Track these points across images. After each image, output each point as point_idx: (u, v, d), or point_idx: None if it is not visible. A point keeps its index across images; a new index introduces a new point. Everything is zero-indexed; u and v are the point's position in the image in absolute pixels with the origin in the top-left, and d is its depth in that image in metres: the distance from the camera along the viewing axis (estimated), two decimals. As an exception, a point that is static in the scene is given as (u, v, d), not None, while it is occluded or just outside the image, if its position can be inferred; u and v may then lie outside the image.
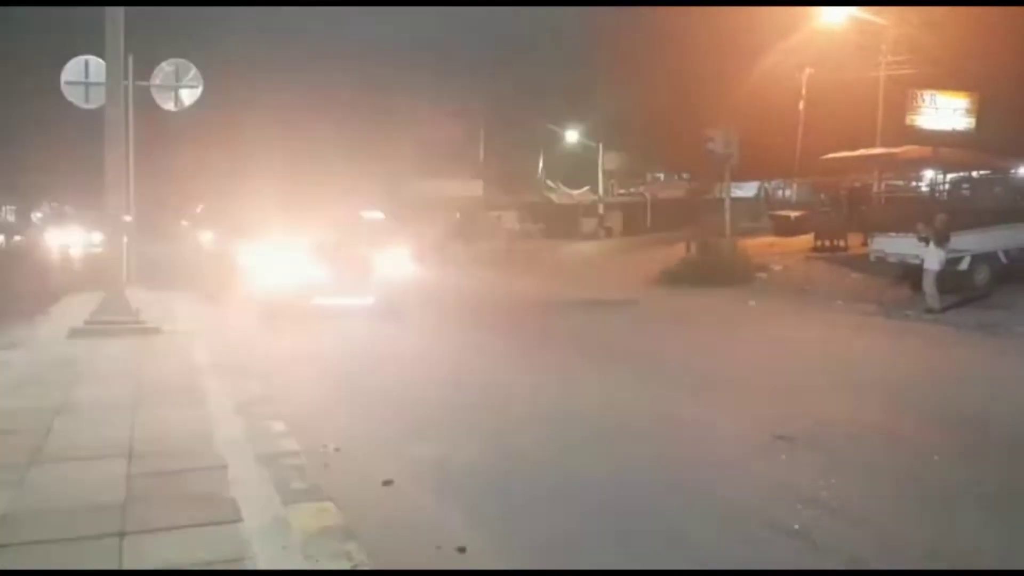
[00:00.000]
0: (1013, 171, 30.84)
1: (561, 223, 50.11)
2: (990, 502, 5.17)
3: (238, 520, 3.99)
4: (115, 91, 10.74)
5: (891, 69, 30.97)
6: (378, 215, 18.82)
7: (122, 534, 3.82)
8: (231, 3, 36.75)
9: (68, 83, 12.92)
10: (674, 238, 28.68)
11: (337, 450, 5.82)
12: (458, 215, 52.87)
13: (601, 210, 49.93)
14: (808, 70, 35.42)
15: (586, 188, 51.08)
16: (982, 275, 16.89)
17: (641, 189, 52.35)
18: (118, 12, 10.46)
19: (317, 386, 8.39)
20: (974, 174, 30.53)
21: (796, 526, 4.62)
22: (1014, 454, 6.30)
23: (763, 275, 21.00)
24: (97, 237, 36.25)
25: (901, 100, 33.22)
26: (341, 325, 12.34)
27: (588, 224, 48.91)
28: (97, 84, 12.32)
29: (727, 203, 24.63)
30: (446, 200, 51.20)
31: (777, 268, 21.71)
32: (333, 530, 3.94)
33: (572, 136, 49.59)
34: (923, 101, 34.35)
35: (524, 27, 42.50)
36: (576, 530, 4.59)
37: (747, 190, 42.42)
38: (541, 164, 52.29)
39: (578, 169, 50.68)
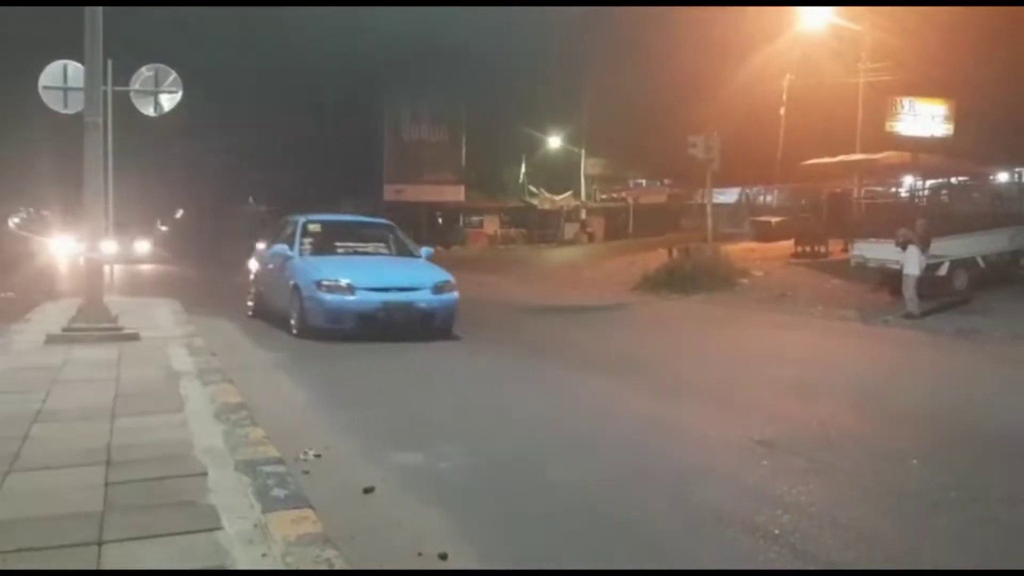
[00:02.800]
0: (991, 177, 31.17)
1: (543, 228, 50.23)
2: (968, 504, 5.21)
3: (218, 528, 3.96)
4: (94, 96, 10.66)
5: (869, 76, 31.23)
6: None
7: (100, 542, 3.79)
8: (213, 3, 36.46)
9: (46, 88, 12.82)
10: (656, 243, 28.83)
11: (318, 456, 5.80)
12: (439, 219, 52.89)
13: (583, 215, 50.11)
14: (789, 76, 35.69)
15: (568, 193, 51.24)
16: (961, 280, 17.09)
17: (623, 194, 52.52)
18: (97, 13, 10.37)
19: (298, 391, 8.36)
20: (953, 180, 30.83)
21: (776, 531, 4.63)
22: (991, 457, 6.37)
23: (744, 281, 21.13)
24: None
25: (880, 106, 33.51)
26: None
27: (570, 229, 49.09)
28: (76, 89, 12.24)
29: (709, 208, 24.78)
30: (428, 205, 51.19)
31: (758, 274, 21.85)
32: (313, 537, 3.91)
33: (554, 141, 49.76)
34: (902, 108, 34.67)
35: (506, 32, 42.54)
36: (558, 537, 4.59)
37: (728, 196, 42.70)
38: (523, 169, 52.37)
39: (560, 174, 50.86)
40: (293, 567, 3.61)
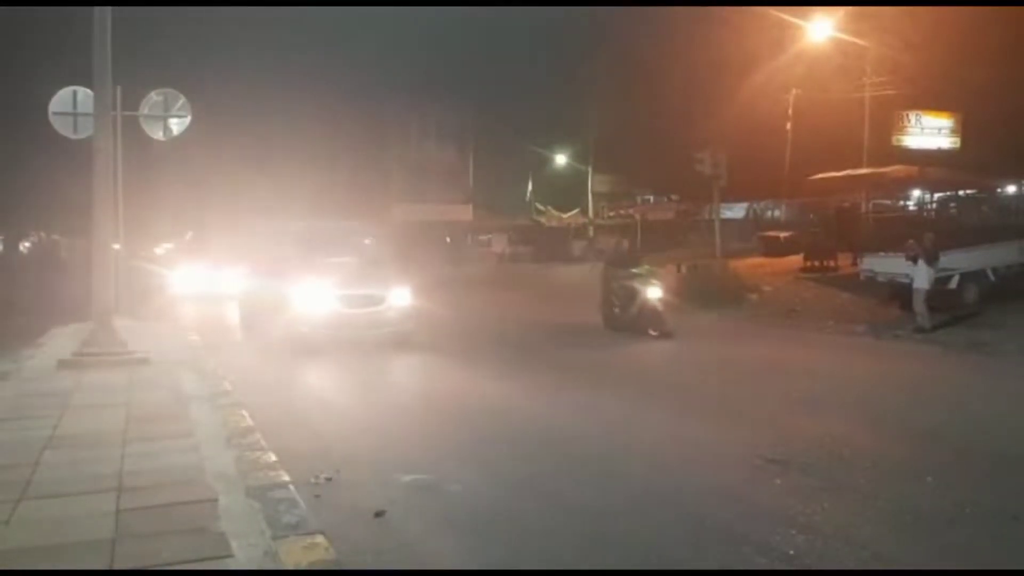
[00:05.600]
0: (999, 189, 31.09)
1: (551, 246, 50.29)
2: (981, 521, 5.17)
3: (228, 555, 3.95)
4: (103, 121, 10.72)
5: (875, 90, 31.26)
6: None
7: (110, 571, 3.78)
8: (224, 3, 36.56)
9: (56, 114, 12.93)
10: (664, 260, 28.74)
11: (329, 480, 5.79)
12: (448, 239, 52.97)
13: (591, 232, 50.10)
14: (794, 91, 35.74)
15: (576, 211, 51.28)
16: (971, 293, 16.99)
17: (631, 211, 52.50)
18: (105, 14, 10.30)
19: (309, 415, 8.34)
20: (961, 193, 30.77)
21: (791, 551, 4.60)
22: (1005, 473, 6.31)
23: (754, 296, 21.03)
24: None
25: (886, 120, 33.52)
26: (337, 354, 12.27)
27: (578, 246, 49.06)
28: (85, 115, 12.33)
29: (717, 224, 24.73)
30: (437, 224, 51.30)
31: (767, 289, 21.76)
32: (324, 564, 3.91)
33: (561, 159, 49.85)
34: (909, 121, 34.69)
35: (513, 51, 42.76)
36: (571, 559, 4.56)
37: (736, 211, 42.64)
38: (530, 187, 52.45)
39: (567, 192, 50.89)
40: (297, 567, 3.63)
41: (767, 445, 6.92)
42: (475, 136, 51.66)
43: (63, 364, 9.89)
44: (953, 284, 16.63)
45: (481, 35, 40.37)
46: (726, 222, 31.89)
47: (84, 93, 12.50)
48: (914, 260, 15.25)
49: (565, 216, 51.58)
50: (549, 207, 52.20)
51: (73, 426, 6.73)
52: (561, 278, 33.73)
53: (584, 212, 50.77)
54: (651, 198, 54.59)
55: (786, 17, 29.56)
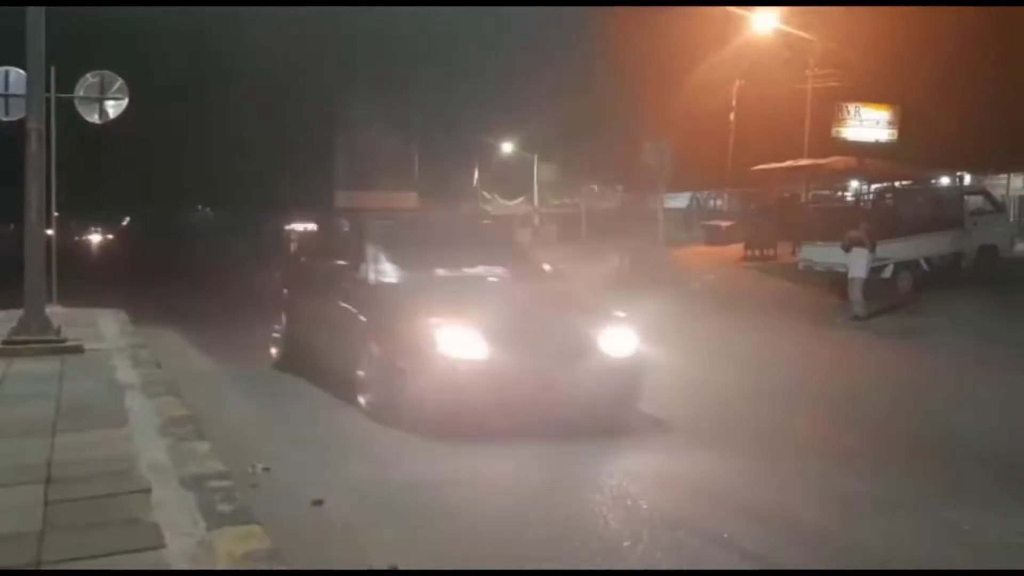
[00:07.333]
0: (933, 181, 31.86)
1: (496, 233, 50.04)
2: (913, 506, 5.31)
3: (161, 546, 3.88)
4: (36, 103, 10.39)
5: (817, 82, 31.80)
6: None
7: (39, 564, 3.69)
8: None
9: (-13, 95, 12.51)
10: (609, 248, 28.95)
11: (266, 470, 5.72)
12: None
13: (536, 221, 50.19)
14: (738, 82, 36.19)
15: (521, 199, 51.38)
16: (905, 282, 17.44)
17: (576, 200, 52.75)
18: (39, 14, 10.03)
19: (246, 404, 8.24)
20: (897, 184, 31.46)
21: (725, 535, 4.67)
22: (934, 458, 6.49)
23: (694, 284, 21.31)
24: None
25: (828, 112, 34.14)
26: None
27: (523, 235, 49.03)
28: (17, 96, 11.96)
29: (660, 214, 24.97)
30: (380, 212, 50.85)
31: (708, 277, 22.07)
32: (260, 553, 3.85)
33: (507, 147, 49.87)
34: (848, 113, 35.42)
35: (460, 40, 42.56)
36: (510, 545, 4.58)
37: (680, 200, 43.04)
38: (476, 175, 52.38)
39: (513, 180, 50.95)
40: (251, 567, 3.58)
41: (700, 430, 7.05)
42: (420, 121, 51.38)
43: (-9, 353, 9.58)
44: (887, 273, 17.04)
45: (427, 22, 40.15)
46: (670, 211, 32.22)
47: (16, 74, 12.11)
48: (847, 249, 15.59)
49: (511, 204, 51.64)
50: (495, 195, 52.21)
51: None
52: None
53: (530, 200, 50.87)
54: (596, 187, 54.89)
55: (732, 9, 29.91)
